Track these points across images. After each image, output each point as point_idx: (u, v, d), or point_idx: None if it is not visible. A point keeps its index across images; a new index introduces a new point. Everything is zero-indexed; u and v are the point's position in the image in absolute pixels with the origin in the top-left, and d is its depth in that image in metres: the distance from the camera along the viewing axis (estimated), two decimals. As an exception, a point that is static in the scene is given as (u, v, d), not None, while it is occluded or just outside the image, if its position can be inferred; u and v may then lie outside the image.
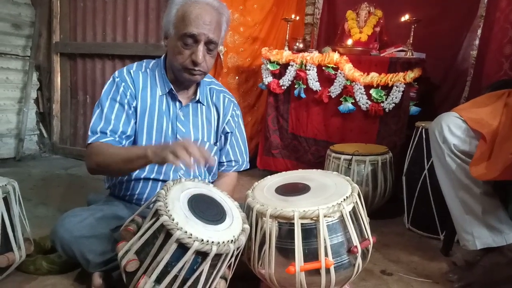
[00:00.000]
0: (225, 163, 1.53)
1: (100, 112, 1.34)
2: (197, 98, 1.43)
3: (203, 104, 1.46)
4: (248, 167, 1.61)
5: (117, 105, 1.34)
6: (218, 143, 1.52)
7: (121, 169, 1.26)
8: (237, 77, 3.00)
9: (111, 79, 1.40)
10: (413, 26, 2.36)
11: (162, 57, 1.43)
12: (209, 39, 1.27)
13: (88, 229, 1.22)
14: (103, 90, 1.38)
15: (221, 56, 2.85)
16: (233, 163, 1.54)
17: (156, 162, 1.12)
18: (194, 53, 1.27)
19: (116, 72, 1.41)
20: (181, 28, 1.26)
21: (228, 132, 1.51)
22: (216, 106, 1.49)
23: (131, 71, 1.40)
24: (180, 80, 1.37)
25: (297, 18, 3.03)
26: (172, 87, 1.38)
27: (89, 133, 1.33)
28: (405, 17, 2.40)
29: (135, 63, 1.45)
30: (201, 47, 1.27)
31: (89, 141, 1.31)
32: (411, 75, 2.24)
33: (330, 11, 3.24)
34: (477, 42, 2.49)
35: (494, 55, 2.09)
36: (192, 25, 1.24)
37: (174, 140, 1.40)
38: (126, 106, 1.35)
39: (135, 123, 1.38)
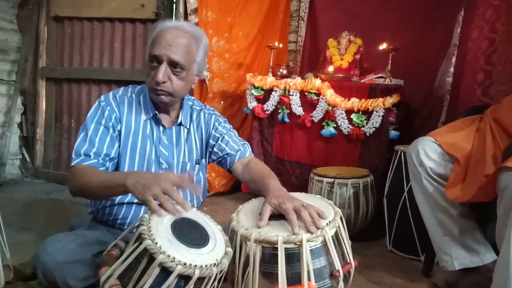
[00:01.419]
0: (228, 156, 1.50)
1: (84, 135, 1.35)
2: (179, 121, 1.46)
3: (185, 127, 1.48)
4: (252, 155, 1.55)
5: (101, 128, 1.36)
6: (205, 160, 1.54)
7: (101, 195, 1.26)
8: (222, 102, 3.05)
9: (96, 103, 1.42)
10: (391, 54, 2.47)
11: None
12: (171, 59, 1.29)
13: (71, 254, 1.21)
14: (89, 114, 1.40)
15: (207, 82, 2.90)
16: (238, 152, 1.50)
17: (135, 196, 1.09)
18: (156, 73, 1.31)
19: (102, 97, 1.43)
20: (149, 52, 1.32)
21: (218, 138, 1.51)
22: (198, 126, 1.52)
23: (117, 96, 1.43)
24: (159, 108, 1.41)
25: (281, 45, 3.13)
26: (157, 112, 1.41)
27: (73, 155, 1.33)
28: (383, 45, 2.51)
29: (121, 88, 1.48)
30: (162, 67, 1.30)
31: (72, 163, 1.31)
32: (390, 100, 2.33)
33: (313, 39, 3.36)
34: (452, 69, 2.60)
35: (468, 82, 2.19)
36: (155, 46, 1.30)
37: (157, 164, 1.42)
38: (110, 130, 1.37)
39: (119, 146, 1.39)
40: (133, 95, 1.45)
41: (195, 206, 1.47)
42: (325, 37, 3.06)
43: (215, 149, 1.51)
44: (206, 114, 1.54)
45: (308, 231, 1.05)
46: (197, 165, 1.51)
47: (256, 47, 3.21)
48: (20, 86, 3.22)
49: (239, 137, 1.56)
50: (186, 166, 1.48)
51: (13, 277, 1.36)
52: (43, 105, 3.29)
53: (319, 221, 1.08)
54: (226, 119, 1.59)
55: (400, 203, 1.94)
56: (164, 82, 1.31)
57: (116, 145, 1.38)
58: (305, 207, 1.11)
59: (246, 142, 1.57)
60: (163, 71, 1.30)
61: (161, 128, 1.44)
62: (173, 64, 1.31)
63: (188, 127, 1.49)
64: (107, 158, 1.35)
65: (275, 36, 3.32)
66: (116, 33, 3.08)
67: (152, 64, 1.31)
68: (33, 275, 1.44)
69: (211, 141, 1.52)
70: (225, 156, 1.50)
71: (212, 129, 1.52)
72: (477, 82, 2.10)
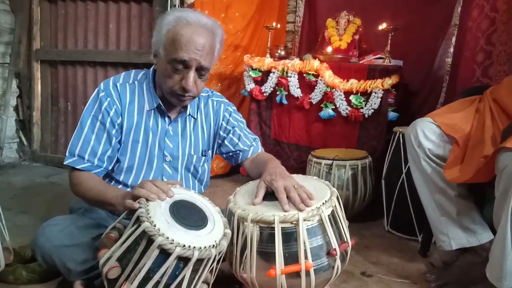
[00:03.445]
0: (241, 152, 1.49)
1: (80, 131, 1.30)
2: (187, 112, 1.40)
3: (193, 117, 1.43)
4: (263, 149, 1.55)
5: (98, 124, 1.30)
6: (211, 151, 1.51)
7: (95, 205, 1.29)
8: (219, 84, 3.02)
9: (95, 93, 1.34)
10: (390, 34, 2.44)
11: (151, 70, 1.39)
12: (200, 65, 1.22)
13: (69, 237, 1.21)
14: (86, 106, 1.33)
15: (204, 63, 2.86)
16: (251, 148, 1.49)
17: (119, 210, 1.13)
18: (184, 79, 1.22)
19: (102, 85, 1.34)
20: (171, 52, 1.21)
21: (229, 130, 1.48)
22: (207, 115, 1.47)
23: (117, 84, 1.34)
24: (169, 101, 1.33)
25: (279, 26, 3.08)
26: (161, 103, 1.35)
27: (67, 153, 1.30)
28: (383, 26, 2.47)
29: (123, 73, 1.40)
30: (191, 73, 1.22)
31: (65, 162, 1.30)
32: (388, 81, 2.30)
33: (311, 19, 3.31)
34: (452, 49, 2.57)
35: (468, 62, 2.17)
36: (182, 50, 1.19)
37: (160, 158, 1.39)
38: (108, 125, 1.30)
39: (120, 140, 1.34)
40: (136, 82, 1.37)
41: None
42: (324, 17, 3.01)
43: (226, 142, 1.48)
44: (215, 103, 1.48)
45: (297, 208, 1.06)
46: (203, 157, 1.47)
47: (254, 27, 3.15)
48: (14, 68, 3.18)
49: (248, 129, 1.53)
50: (192, 158, 1.43)
51: (13, 259, 1.36)
52: (38, 88, 3.25)
53: (308, 201, 1.09)
54: (235, 108, 1.54)
55: (398, 184, 1.94)
56: (192, 89, 1.25)
57: (114, 141, 1.32)
58: (296, 188, 1.11)
59: (256, 136, 1.55)
60: (192, 78, 1.23)
61: (167, 119, 1.38)
62: (201, 69, 1.24)
63: (195, 117, 1.44)
64: (103, 158, 1.31)
65: (273, 17, 3.26)
66: (110, 14, 3.02)
67: (176, 67, 1.22)
68: (33, 257, 1.45)
69: (221, 132, 1.48)
70: (238, 152, 1.48)
71: (223, 120, 1.48)
72: (476, 63, 2.08)
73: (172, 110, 1.39)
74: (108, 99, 1.31)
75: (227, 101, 1.54)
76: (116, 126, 1.32)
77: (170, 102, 1.35)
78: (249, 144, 1.49)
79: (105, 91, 1.32)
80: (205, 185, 1.54)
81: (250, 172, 1.48)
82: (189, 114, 1.42)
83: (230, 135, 1.48)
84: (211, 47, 1.26)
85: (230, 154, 1.51)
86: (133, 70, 1.42)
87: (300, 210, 1.06)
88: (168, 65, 1.23)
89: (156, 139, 1.37)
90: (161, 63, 1.26)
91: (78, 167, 1.28)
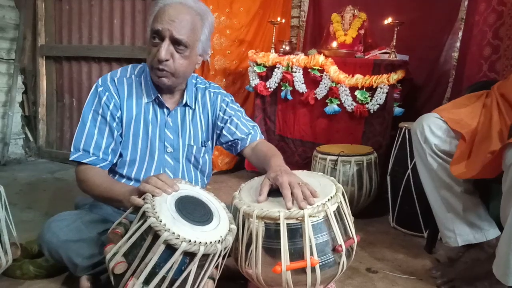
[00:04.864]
0: (239, 140, 1.49)
1: (82, 126, 1.32)
2: (184, 101, 1.41)
3: (191, 108, 1.44)
4: (263, 137, 1.54)
5: (99, 118, 1.32)
6: (211, 142, 1.51)
7: (103, 202, 1.31)
8: (224, 80, 3.01)
9: (94, 88, 1.35)
10: (396, 29, 2.42)
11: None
12: (173, 36, 1.23)
13: (75, 233, 1.22)
14: (86, 102, 1.35)
15: (208, 59, 2.86)
16: (249, 136, 1.49)
17: (125, 206, 1.14)
18: (158, 50, 1.24)
19: (100, 80, 1.37)
20: (151, 27, 1.26)
21: (226, 120, 1.48)
22: (204, 106, 1.48)
23: (115, 79, 1.36)
24: (161, 88, 1.35)
25: (283, 20, 3.07)
26: (159, 95, 1.36)
27: (72, 148, 1.31)
28: (389, 20, 2.45)
29: (120, 68, 1.42)
30: (165, 44, 1.23)
31: (71, 157, 1.31)
32: (394, 76, 2.29)
33: (316, 14, 3.29)
34: (458, 44, 2.55)
35: (474, 57, 2.15)
36: (157, 21, 1.23)
37: (161, 149, 1.40)
38: (108, 118, 1.32)
39: (121, 134, 1.35)
40: (133, 76, 1.39)
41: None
42: (329, 11, 3.00)
43: (224, 132, 1.48)
44: (212, 94, 1.49)
45: (299, 206, 1.06)
46: (203, 148, 1.47)
47: (258, 22, 3.14)
48: (20, 64, 3.19)
49: (247, 117, 1.53)
50: (192, 149, 1.44)
51: (20, 254, 1.37)
52: (43, 84, 3.27)
53: (311, 198, 1.08)
54: (232, 98, 1.54)
55: (403, 180, 1.93)
56: (166, 60, 1.25)
57: (116, 134, 1.34)
58: (300, 185, 1.11)
59: (256, 123, 1.55)
60: (165, 49, 1.23)
61: (165, 110, 1.39)
62: (176, 42, 1.24)
63: (193, 108, 1.44)
64: (108, 151, 1.32)
65: (277, 11, 3.25)
66: (115, 9, 3.02)
67: (154, 41, 1.25)
68: (40, 252, 1.46)
69: (219, 123, 1.48)
70: (236, 140, 1.48)
71: (220, 110, 1.48)
72: (483, 57, 2.05)
73: (169, 101, 1.41)
74: (107, 93, 1.33)
75: (225, 92, 1.55)
76: (116, 120, 1.34)
77: (167, 94, 1.38)
78: (246, 132, 1.49)
79: (103, 86, 1.35)
80: (207, 176, 1.55)
81: (250, 160, 1.48)
82: (186, 103, 1.42)
83: (228, 124, 1.48)
84: (190, 23, 1.26)
85: (229, 143, 1.51)
86: (130, 65, 1.44)
87: (302, 208, 1.06)
88: (150, 41, 1.27)
89: (156, 131, 1.38)
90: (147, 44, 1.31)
91: (84, 161, 1.29)
